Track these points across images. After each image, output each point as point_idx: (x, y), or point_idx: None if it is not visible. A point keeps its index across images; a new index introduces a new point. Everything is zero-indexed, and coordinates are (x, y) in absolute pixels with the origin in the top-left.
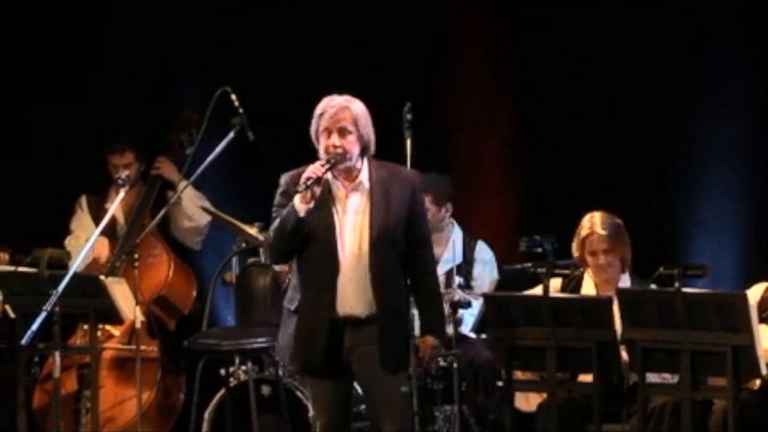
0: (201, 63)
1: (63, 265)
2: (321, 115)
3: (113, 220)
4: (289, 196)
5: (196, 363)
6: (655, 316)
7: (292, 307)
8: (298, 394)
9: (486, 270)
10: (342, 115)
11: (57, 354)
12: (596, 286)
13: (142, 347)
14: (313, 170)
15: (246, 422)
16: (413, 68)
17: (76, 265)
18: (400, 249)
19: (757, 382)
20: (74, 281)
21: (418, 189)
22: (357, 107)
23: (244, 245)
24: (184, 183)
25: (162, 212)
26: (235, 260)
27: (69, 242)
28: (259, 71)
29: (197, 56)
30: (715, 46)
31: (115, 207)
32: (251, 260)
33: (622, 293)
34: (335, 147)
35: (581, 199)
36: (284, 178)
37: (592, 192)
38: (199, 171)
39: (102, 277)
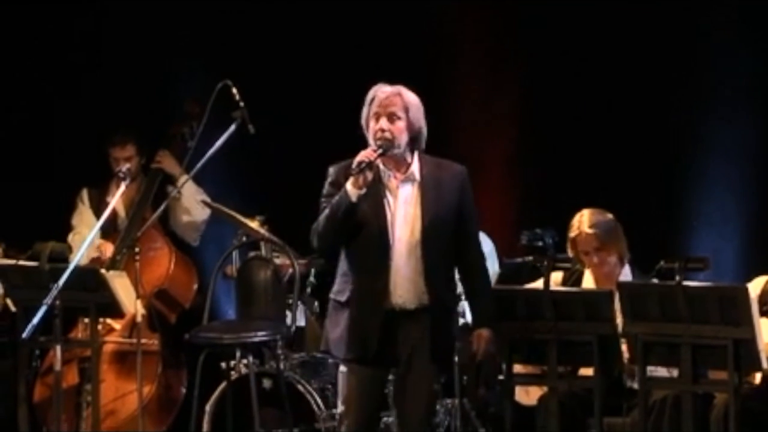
0: (201, 62)
1: (64, 259)
2: (372, 100)
3: (114, 213)
4: (338, 186)
5: (197, 356)
6: (656, 310)
7: (343, 299)
8: (300, 387)
9: (487, 263)
10: (392, 101)
11: (58, 347)
12: (596, 280)
13: (143, 341)
14: (365, 154)
15: (247, 416)
16: (413, 67)
17: (77, 258)
18: (449, 242)
19: (758, 375)
20: (75, 275)
21: (468, 183)
22: (409, 95)
23: (244, 239)
24: (184, 177)
25: (163, 205)
26: (236, 254)
27: (72, 238)
28: (260, 71)
29: (198, 55)
30: (718, 42)
31: (116, 200)
32: (252, 254)
33: (622, 287)
34: (383, 131)
35: (583, 193)
36: (333, 169)
37: (593, 187)
38: (199, 165)
39: (103, 271)
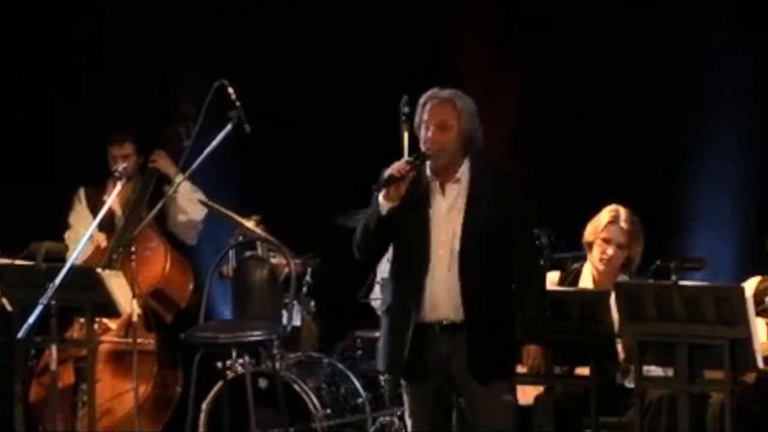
0: (200, 62)
1: (60, 258)
2: (423, 106)
3: (111, 212)
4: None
5: (193, 356)
6: (653, 309)
7: (384, 308)
8: (296, 387)
9: None
10: (443, 109)
11: (54, 347)
12: (594, 280)
13: (139, 340)
14: (396, 168)
15: (243, 415)
16: (413, 68)
17: (73, 257)
18: (499, 250)
19: (753, 375)
20: (71, 274)
21: (522, 187)
22: (462, 102)
23: (241, 238)
24: (180, 177)
25: (159, 205)
26: (232, 253)
27: (68, 236)
28: (257, 70)
29: (196, 55)
30: (716, 43)
31: (112, 199)
32: (248, 253)
33: (619, 286)
34: (432, 142)
35: (581, 193)
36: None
37: (591, 187)
38: (195, 164)
39: (99, 270)
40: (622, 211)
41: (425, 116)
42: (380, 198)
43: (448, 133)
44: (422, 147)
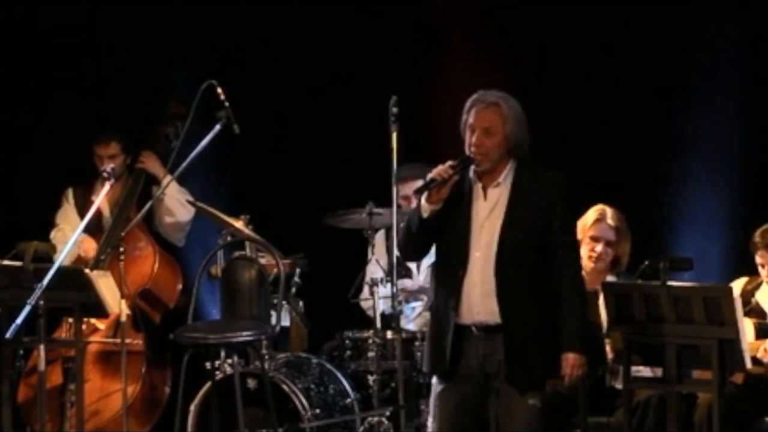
0: (190, 62)
1: (48, 259)
2: (469, 109)
3: (99, 213)
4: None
5: (181, 356)
6: (641, 310)
7: (430, 309)
8: (284, 387)
9: None
10: (489, 114)
11: (42, 347)
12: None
13: (128, 341)
14: (438, 171)
15: (232, 416)
16: (402, 67)
17: (61, 258)
18: (539, 256)
19: (741, 375)
20: (59, 274)
21: (566, 193)
22: (507, 106)
23: (229, 238)
24: (168, 178)
25: (147, 205)
26: (220, 253)
27: (54, 235)
28: (248, 69)
29: (186, 55)
30: (706, 46)
31: (100, 200)
32: (237, 254)
33: (607, 287)
34: (477, 147)
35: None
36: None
37: (578, 187)
38: (184, 165)
39: (87, 271)
40: (609, 210)
41: (470, 120)
42: (423, 201)
43: (493, 138)
44: (467, 151)
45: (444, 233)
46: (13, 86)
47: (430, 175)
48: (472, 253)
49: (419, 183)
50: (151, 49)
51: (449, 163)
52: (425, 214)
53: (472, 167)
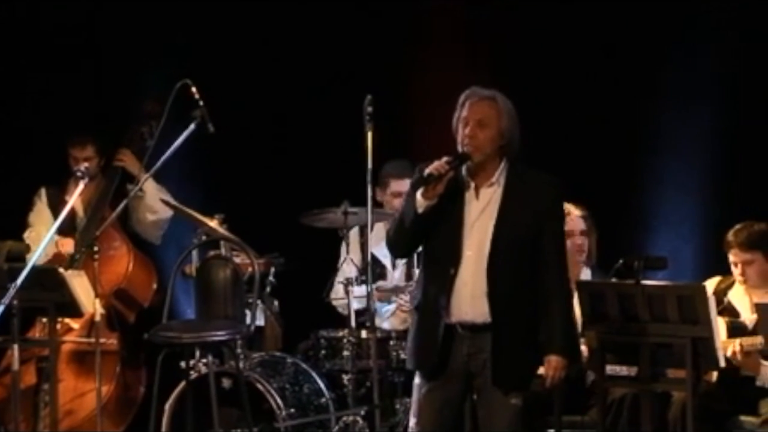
0: (165, 61)
1: (22, 258)
2: (462, 104)
3: (72, 212)
4: (416, 189)
5: (156, 356)
6: (615, 309)
7: (414, 305)
8: (259, 386)
9: None
10: (482, 107)
11: (15, 347)
12: None
13: (102, 340)
14: (436, 167)
15: (207, 415)
16: (377, 66)
17: (35, 258)
18: (530, 257)
19: (714, 374)
20: (33, 274)
21: (559, 196)
22: (501, 102)
23: (204, 238)
24: (145, 176)
25: (123, 204)
26: (195, 253)
27: (28, 236)
28: (222, 68)
29: (161, 55)
30: (679, 46)
31: (74, 199)
32: (211, 253)
33: (582, 286)
34: (471, 138)
35: None
36: (420, 167)
37: None
38: (159, 163)
39: (61, 270)
40: (569, 205)
41: (464, 113)
42: (418, 196)
43: (487, 131)
44: (459, 146)
45: (434, 231)
46: (13, 86)
47: (427, 171)
48: (464, 251)
49: (409, 180)
50: (127, 49)
51: (445, 158)
52: (420, 209)
53: (465, 166)
